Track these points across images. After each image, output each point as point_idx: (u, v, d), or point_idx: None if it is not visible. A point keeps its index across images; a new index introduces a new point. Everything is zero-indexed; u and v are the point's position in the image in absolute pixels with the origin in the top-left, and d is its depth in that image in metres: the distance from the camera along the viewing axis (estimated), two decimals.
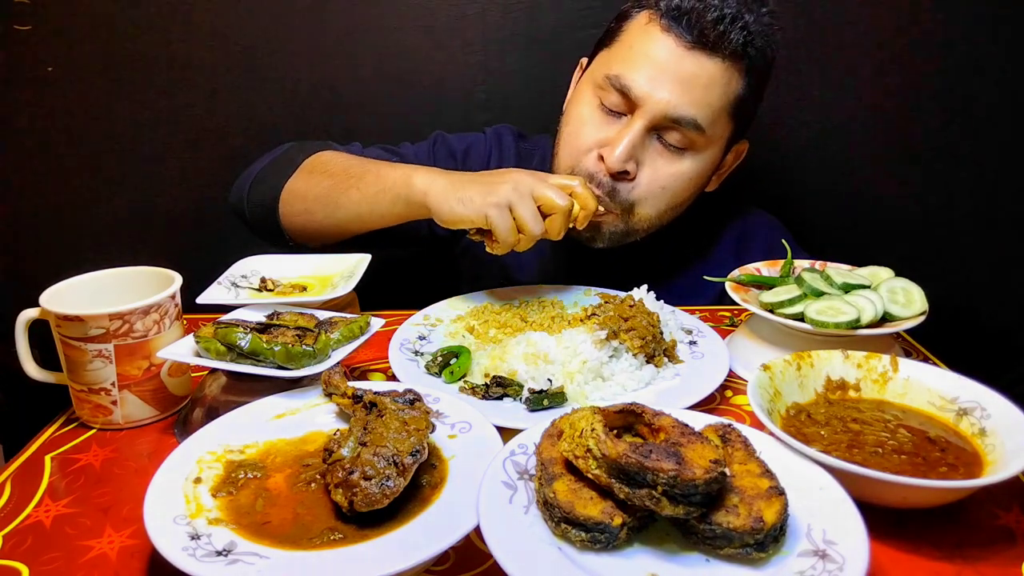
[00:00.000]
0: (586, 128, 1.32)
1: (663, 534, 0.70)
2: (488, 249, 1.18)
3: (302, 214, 1.34)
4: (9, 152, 1.82)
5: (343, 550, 0.69)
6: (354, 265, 1.19)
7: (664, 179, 1.30)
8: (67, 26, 1.74)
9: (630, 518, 0.68)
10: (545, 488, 0.71)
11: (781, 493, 0.69)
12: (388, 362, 1.10)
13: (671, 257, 1.49)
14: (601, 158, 1.29)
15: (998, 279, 1.86)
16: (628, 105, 1.27)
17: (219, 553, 0.67)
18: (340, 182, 1.28)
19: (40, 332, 1.00)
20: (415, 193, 1.17)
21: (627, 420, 0.78)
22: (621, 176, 1.29)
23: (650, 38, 1.26)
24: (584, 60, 1.42)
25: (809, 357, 0.96)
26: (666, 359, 1.11)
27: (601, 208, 1.26)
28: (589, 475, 0.69)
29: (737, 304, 1.14)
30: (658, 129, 1.28)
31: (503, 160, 1.56)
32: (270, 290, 1.16)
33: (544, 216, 1.14)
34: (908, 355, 1.18)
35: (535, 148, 1.57)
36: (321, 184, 1.31)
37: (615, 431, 0.75)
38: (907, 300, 1.09)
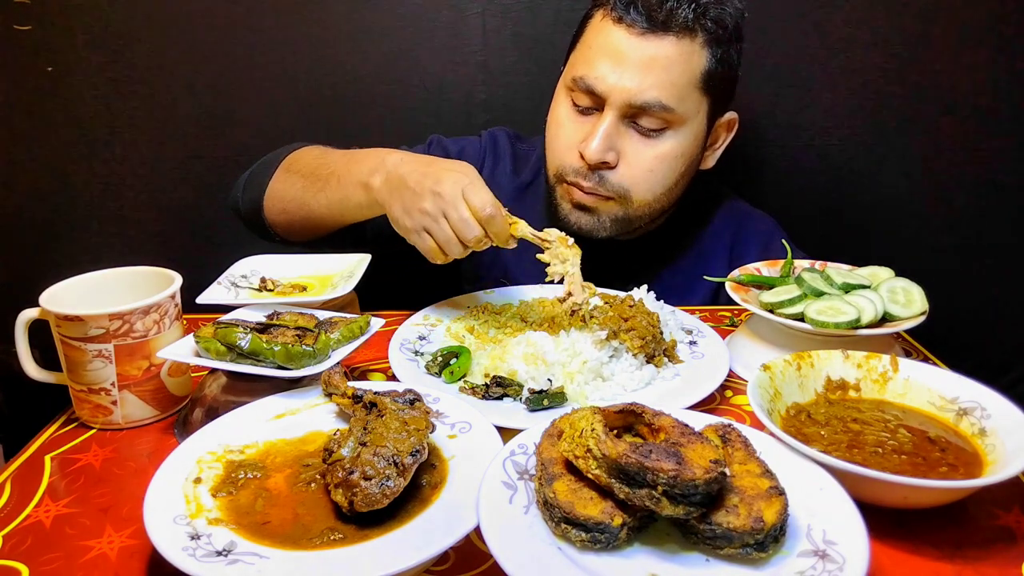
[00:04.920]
0: (563, 129, 1.36)
1: (663, 534, 0.70)
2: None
3: (282, 214, 1.39)
4: (9, 152, 1.82)
5: (343, 550, 0.69)
6: (354, 265, 1.19)
7: (648, 162, 1.32)
8: (67, 26, 1.74)
9: (630, 518, 0.68)
10: (545, 488, 0.71)
11: (781, 493, 0.69)
12: (388, 362, 1.10)
13: (666, 256, 1.49)
14: (582, 155, 1.32)
15: (998, 279, 1.86)
16: (597, 101, 1.30)
17: (219, 553, 0.67)
18: (310, 184, 1.32)
19: (40, 332, 0.99)
20: (371, 199, 1.19)
21: (627, 420, 0.78)
22: (603, 166, 1.31)
23: (605, 33, 1.29)
24: (563, 67, 1.44)
25: (809, 357, 0.96)
26: (666, 359, 1.11)
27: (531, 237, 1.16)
28: (589, 475, 0.69)
29: (737, 304, 1.14)
30: (630, 117, 1.30)
31: (498, 162, 1.57)
32: (270, 290, 1.16)
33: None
34: (908, 355, 1.18)
35: (532, 149, 1.58)
36: (295, 185, 1.35)
37: (615, 431, 0.75)
38: (907, 300, 1.09)
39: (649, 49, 1.25)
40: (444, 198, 1.08)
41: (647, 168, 1.32)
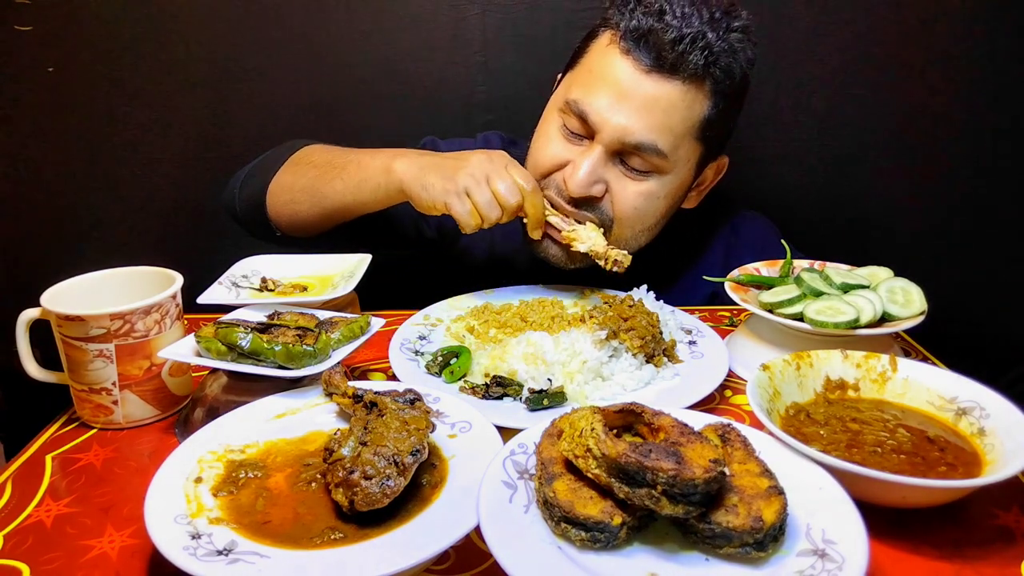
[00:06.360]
0: (550, 147, 1.31)
1: (663, 533, 0.70)
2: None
3: (288, 204, 1.38)
4: (9, 152, 1.82)
5: (343, 549, 0.69)
6: (354, 265, 1.19)
7: (633, 199, 1.27)
8: (67, 26, 1.75)
9: (630, 517, 0.68)
10: (545, 487, 0.71)
11: (780, 492, 0.69)
12: (388, 362, 1.10)
13: (662, 258, 1.48)
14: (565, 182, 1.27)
15: (998, 279, 1.86)
16: (588, 130, 1.25)
17: (220, 552, 0.67)
18: (324, 172, 1.32)
19: (41, 332, 1.00)
20: (393, 181, 1.21)
21: (627, 420, 0.79)
22: (591, 200, 1.27)
23: (609, 61, 1.23)
24: (560, 75, 1.40)
25: (808, 357, 0.96)
26: (666, 359, 1.12)
27: (556, 219, 1.26)
28: (589, 474, 0.70)
29: (736, 304, 1.14)
30: (620, 154, 1.25)
31: None
32: (271, 290, 1.16)
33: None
34: (907, 355, 1.18)
35: (524, 153, 1.56)
36: (307, 175, 1.35)
37: (615, 431, 0.76)
38: (906, 300, 1.09)
39: (652, 89, 1.20)
40: (492, 163, 1.17)
41: (633, 205, 1.28)
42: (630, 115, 1.21)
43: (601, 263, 1.24)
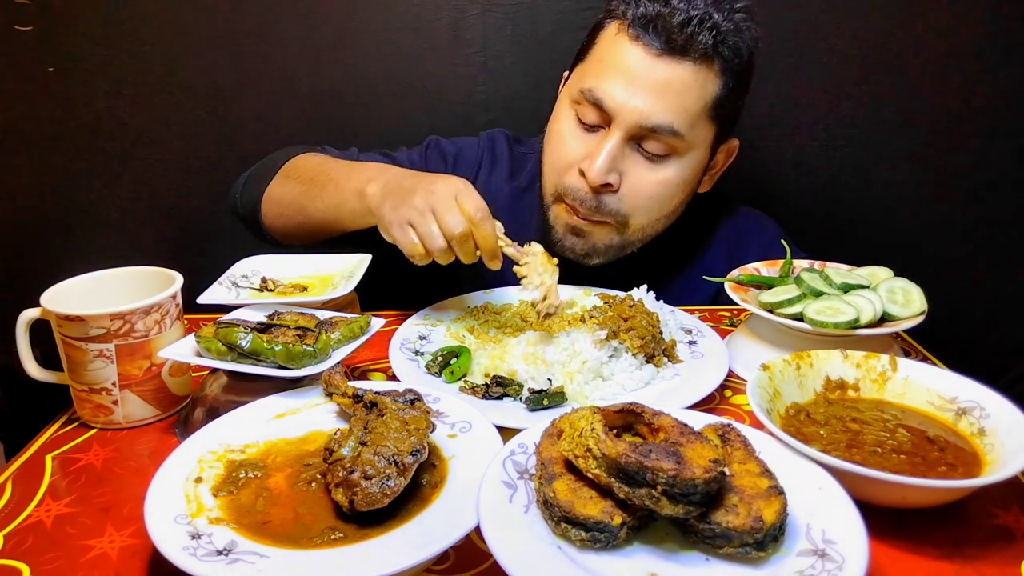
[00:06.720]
0: (565, 145, 1.32)
1: (663, 533, 0.70)
2: None
3: (279, 218, 1.39)
4: (9, 152, 1.82)
5: (343, 549, 0.69)
6: (354, 265, 1.19)
7: (650, 188, 1.29)
8: (67, 26, 1.75)
9: (630, 517, 0.68)
10: (545, 487, 0.71)
11: (780, 492, 0.69)
12: (388, 362, 1.10)
13: (666, 258, 1.48)
14: (582, 174, 1.28)
15: (998, 279, 1.86)
16: (604, 118, 1.27)
17: (220, 552, 0.67)
18: (308, 190, 1.31)
19: (41, 332, 1.00)
20: (364, 206, 1.19)
21: (627, 420, 0.79)
22: (605, 188, 1.28)
23: (620, 49, 1.25)
24: (566, 73, 1.42)
25: (808, 357, 0.96)
26: (666, 359, 1.12)
27: (510, 250, 1.15)
28: (589, 474, 0.70)
29: (736, 304, 1.14)
30: (637, 139, 1.27)
31: (495, 165, 1.56)
32: (271, 290, 1.16)
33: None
34: (907, 355, 1.18)
35: (530, 151, 1.57)
36: (293, 191, 1.35)
37: (615, 431, 0.76)
38: (906, 300, 1.09)
39: (665, 72, 1.22)
40: (435, 195, 1.08)
41: (648, 194, 1.29)
42: (646, 98, 1.22)
43: (539, 298, 1.16)
